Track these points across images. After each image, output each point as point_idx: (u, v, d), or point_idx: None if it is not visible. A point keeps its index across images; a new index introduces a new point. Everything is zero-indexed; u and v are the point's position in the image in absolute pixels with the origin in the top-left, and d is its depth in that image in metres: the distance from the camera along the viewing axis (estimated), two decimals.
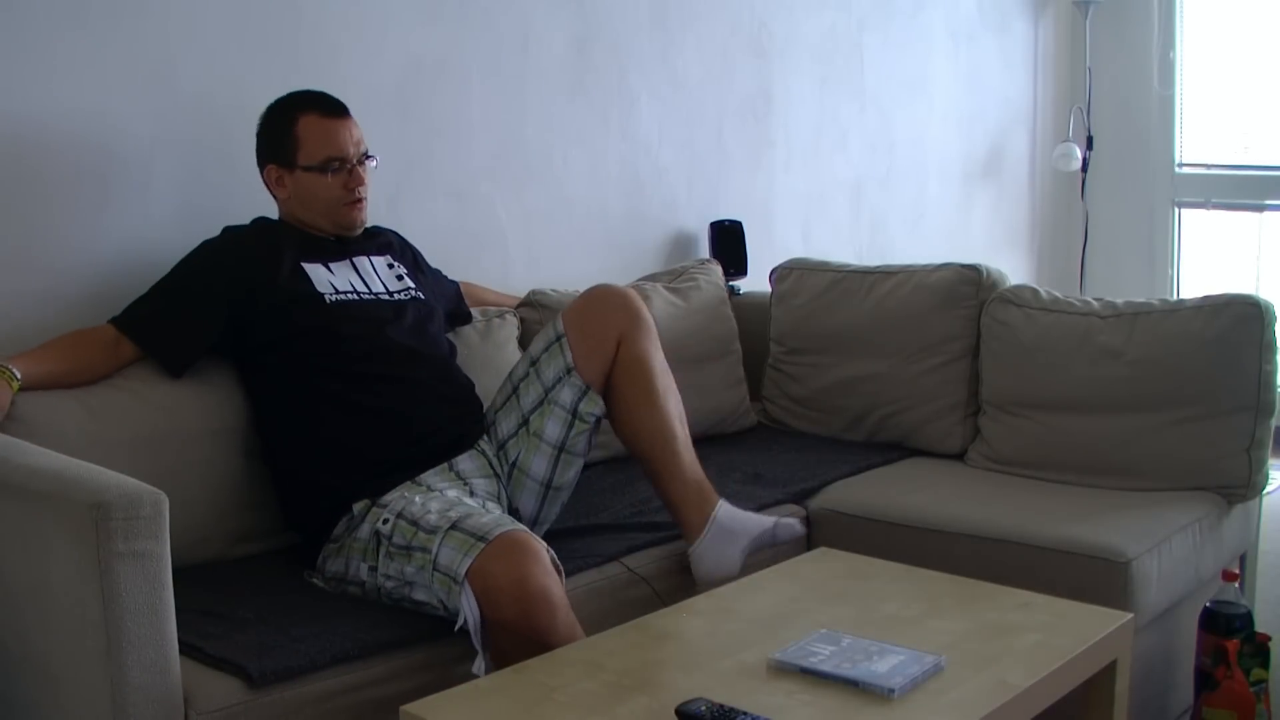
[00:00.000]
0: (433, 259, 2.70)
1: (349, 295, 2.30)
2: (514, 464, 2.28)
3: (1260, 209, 4.69)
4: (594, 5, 3.24)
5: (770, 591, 1.98)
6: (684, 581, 2.24)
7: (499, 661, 1.80)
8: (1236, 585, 2.38)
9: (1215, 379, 2.54)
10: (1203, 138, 4.83)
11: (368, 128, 2.65)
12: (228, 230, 2.36)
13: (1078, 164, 4.82)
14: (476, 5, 2.97)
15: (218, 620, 1.90)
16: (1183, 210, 4.88)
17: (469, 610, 1.82)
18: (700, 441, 2.88)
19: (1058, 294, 2.81)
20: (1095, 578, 2.18)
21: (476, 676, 1.77)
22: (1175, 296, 4.28)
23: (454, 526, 1.91)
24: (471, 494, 2.18)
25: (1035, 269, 4.94)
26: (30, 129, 2.27)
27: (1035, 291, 2.82)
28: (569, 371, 2.26)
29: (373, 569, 2.01)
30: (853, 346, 3.02)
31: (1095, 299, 2.77)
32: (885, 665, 1.60)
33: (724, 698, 1.52)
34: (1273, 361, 2.52)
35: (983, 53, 4.59)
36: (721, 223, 3.55)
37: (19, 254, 2.27)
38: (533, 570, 1.82)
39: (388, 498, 2.10)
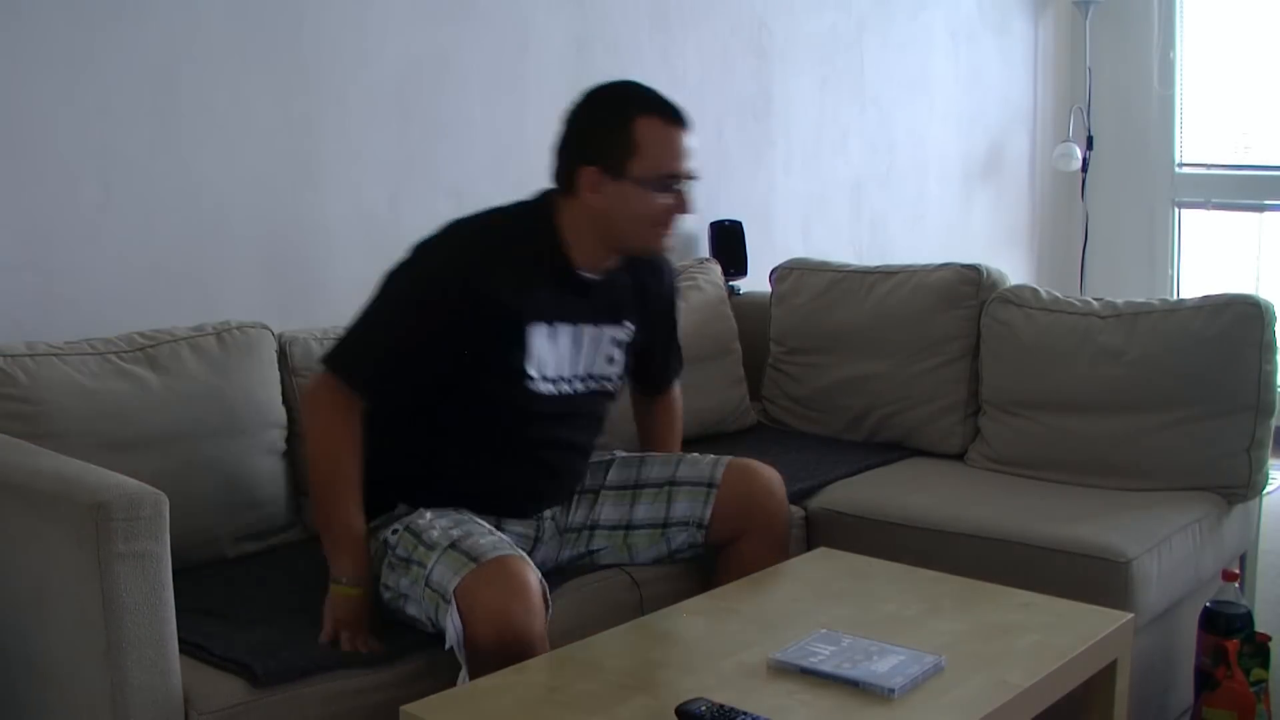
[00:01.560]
0: None
1: (550, 384, 2.08)
2: (590, 551, 2.21)
3: (1260, 209, 4.69)
4: (594, 5, 3.24)
5: (770, 591, 1.98)
6: (682, 586, 2.24)
7: (477, 675, 1.76)
8: (1236, 585, 2.38)
9: (1215, 379, 2.54)
10: (1203, 138, 4.83)
11: (367, 128, 2.66)
12: (459, 256, 2.02)
13: (1078, 164, 4.82)
14: (476, 5, 2.97)
15: (220, 621, 1.90)
16: (1183, 210, 4.88)
17: (453, 628, 1.79)
18: (700, 441, 2.89)
19: (1058, 294, 2.81)
20: (1095, 578, 2.18)
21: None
22: (1175, 296, 4.28)
23: (452, 545, 1.86)
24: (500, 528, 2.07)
25: (1035, 269, 4.94)
26: (31, 129, 2.27)
27: (1035, 291, 2.82)
28: (700, 527, 2.19)
29: (375, 578, 1.98)
30: (853, 346, 3.01)
31: (1095, 299, 2.77)
32: (885, 665, 1.60)
33: (724, 698, 1.52)
34: (1273, 361, 2.52)
35: (983, 53, 4.59)
36: (721, 222, 3.55)
37: (18, 254, 2.28)
38: (515, 605, 1.77)
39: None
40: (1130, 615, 1.86)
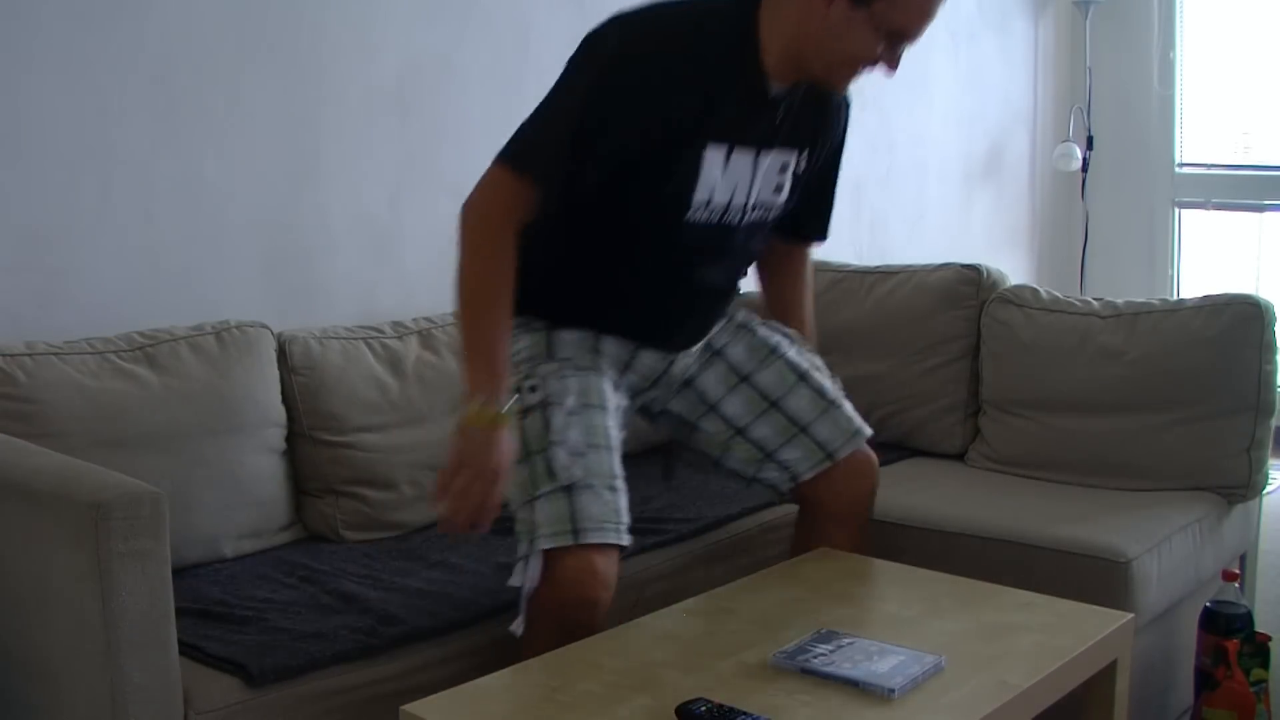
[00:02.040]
0: (433, 259, 2.69)
1: (708, 215, 1.92)
2: (694, 426, 2.15)
3: (1260, 209, 4.69)
4: (594, 5, 3.22)
5: (770, 591, 1.98)
6: (682, 586, 2.24)
7: (530, 625, 1.83)
8: (1236, 585, 2.38)
9: (1215, 379, 2.54)
10: (1203, 138, 4.83)
11: (368, 128, 2.65)
12: (641, 48, 1.81)
13: (1078, 164, 4.82)
14: (476, 5, 2.97)
15: (218, 621, 1.90)
16: (1183, 210, 4.88)
17: (530, 578, 1.81)
18: None
19: (1058, 294, 2.81)
20: (1095, 578, 2.18)
21: (515, 635, 1.83)
22: (1175, 296, 4.28)
23: (569, 489, 1.83)
24: (604, 411, 1.95)
25: (1035, 269, 4.94)
26: (31, 129, 2.27)
27: (1035, 291, 2.82)
28: (794, 479, 2.14)
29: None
30: (853, 346, 3.01)
31: (1095, 299, 2.77)
32: (885, 665, 1.60)
33: (724, 698, 1.52)
34: (1273, 361, 2.52)
35: (983, 52, 4.59)
36: None
37: (18, 254, 2.27)
38: (594, 593, 1.81)
39: (561, 344, 1.97)
40: (1130, 615, 1.85)
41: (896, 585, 1.99)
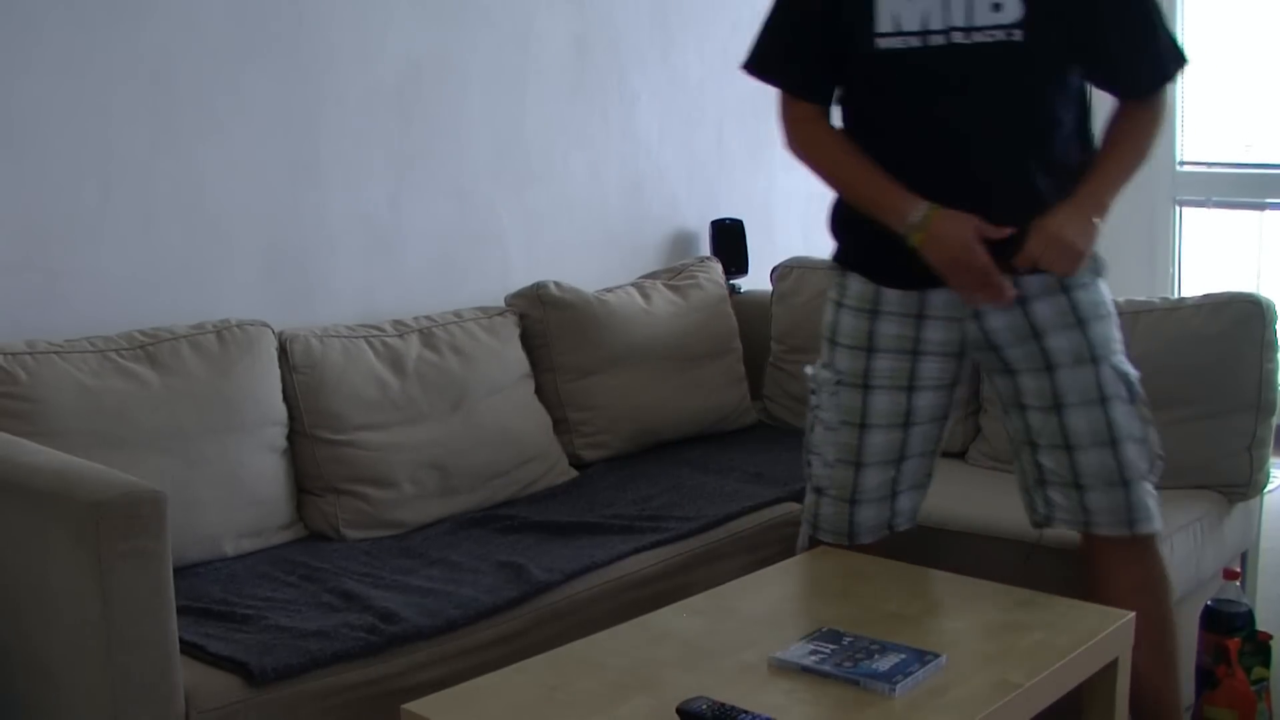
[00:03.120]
0: (433, 259, 2.69)
1: (906, 38, 1.85)
2: (1005, 410, 2.07)
3: (1261, 207, 4.68)
4: (594, 5, 3.24)
5: (770, 591, 1.98)
6: (684, 585, 2.24)
7: None
8: (1237, 584, 2.37)
9: (1216, 378, 2.53)
10: (1204, 136, 4.82)
11: (368, 127, 2.65)
12: None
13: None
14: (476, 5, 2.97)
15: (219, 619, 1.91)
16: (1184, 209, 4.87)
17: (802, 533, 2.21)
18: (700, 441, 2.88)
19: None
20: None
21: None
22: (1176, 295, 4.27)
23: (819, 491, 2.14)
24: (910, 420, 2.05)
25: None
26: (31, 129, 2.27)
27: None
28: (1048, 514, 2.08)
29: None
30: None
31: None
32: (886, 664, 1.60)
33: (725, 697, 1.52)
34: (1274, 360, 2.52)
35: None
36: (722, 221, 3.55)
37: (18, 253, 2.28)
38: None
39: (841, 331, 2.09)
40: (1131, 614, 1.85)
41: (897, 584, 1.99)
